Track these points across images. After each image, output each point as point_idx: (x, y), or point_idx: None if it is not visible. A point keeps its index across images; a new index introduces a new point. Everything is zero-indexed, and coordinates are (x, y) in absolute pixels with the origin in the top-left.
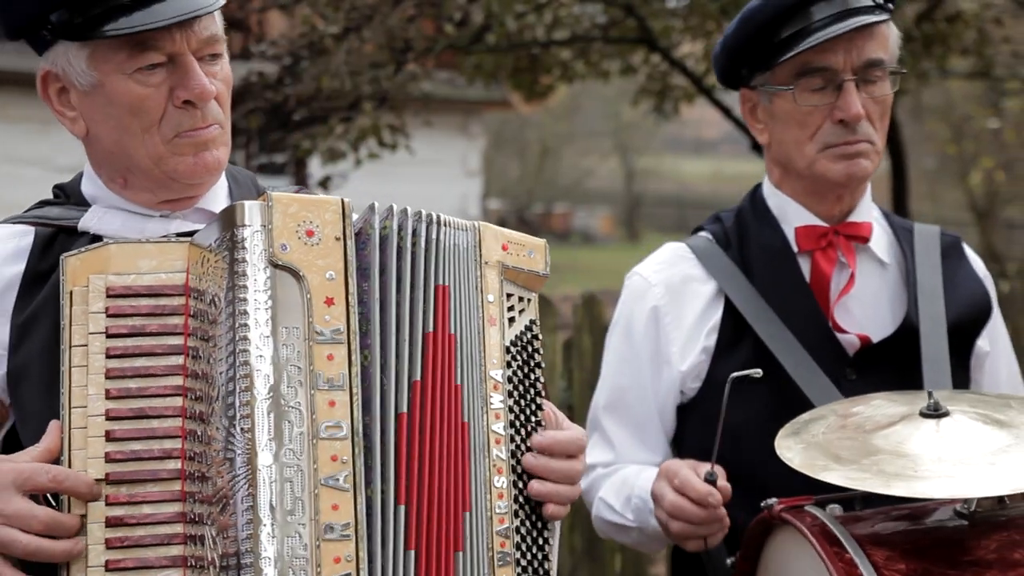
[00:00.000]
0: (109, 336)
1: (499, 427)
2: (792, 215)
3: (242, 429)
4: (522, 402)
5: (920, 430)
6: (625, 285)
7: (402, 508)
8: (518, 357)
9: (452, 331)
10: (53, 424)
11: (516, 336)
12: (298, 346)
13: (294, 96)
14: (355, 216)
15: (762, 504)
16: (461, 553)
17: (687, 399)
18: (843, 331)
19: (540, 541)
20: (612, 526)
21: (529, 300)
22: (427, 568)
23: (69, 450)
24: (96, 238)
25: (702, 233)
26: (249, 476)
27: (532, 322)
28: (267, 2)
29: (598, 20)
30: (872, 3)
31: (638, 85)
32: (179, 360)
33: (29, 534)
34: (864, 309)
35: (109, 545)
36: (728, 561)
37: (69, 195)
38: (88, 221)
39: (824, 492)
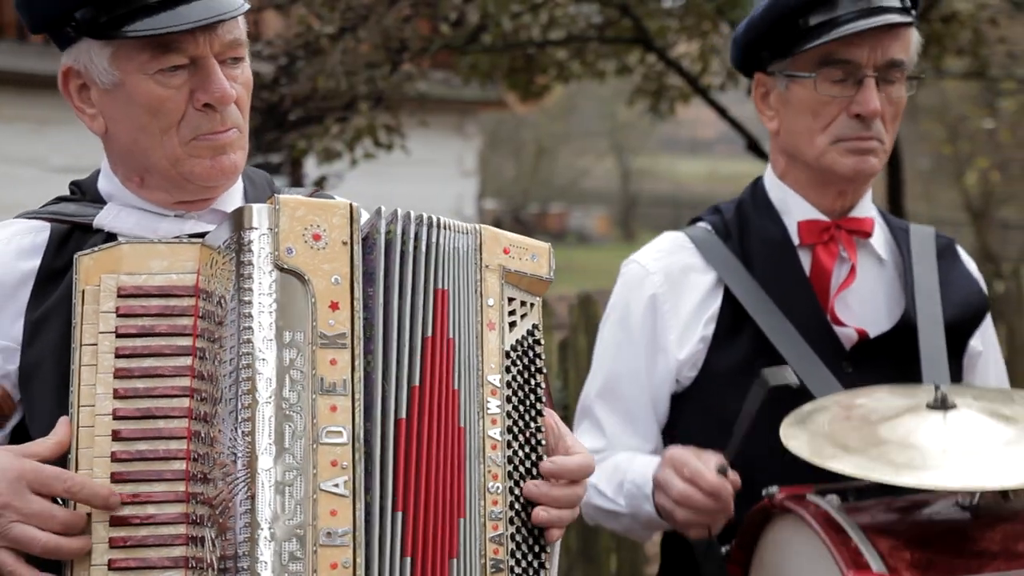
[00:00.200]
0: (119, 336)
1: (495, 432)
2: (794, 208)
3: (243, 432)
4: (521, 408)
5: (927, 422)
6: (622, 273)
7: (399, 515)
8: (518, 362)
9: (450, 335)
10: (63, 419)
11: (517, 341)
12: (301, 350)
13: (290, 96)
14: (363, 219)
15: (764, 492)
16: (455, 560)
17: (682, 388)
18: (842, 324)
19: (536, 549)
20: (602, 512)
21: (532, 305)
22: (423, 575)
23: (76, 448)
24: (111, 236)
25: (701, 224)
26: (248, 479)
27: (534, 327)
28: (263, 2)
29: (594, 20)
30: (899, 4)
31: (634, 85)
32: (187, 361)
33: (48, 532)
34: (862, 304)
35: (112, 544)
36: (723, 549)
37: (85, 192)
38: (103, 219)
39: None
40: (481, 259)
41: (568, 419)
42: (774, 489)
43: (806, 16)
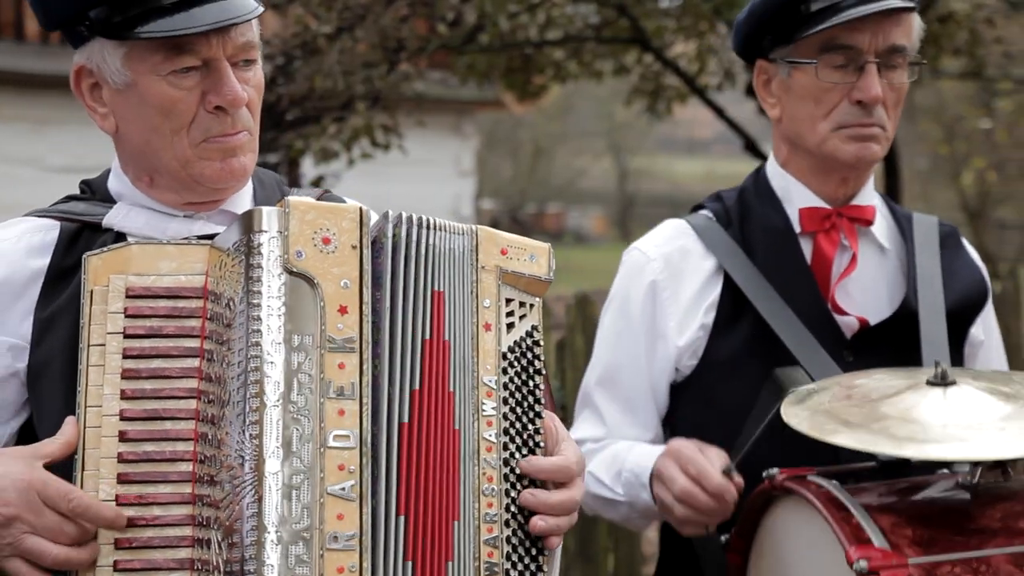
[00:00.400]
0: (127, 336)
1: (491, 434)
2: (796, 196)
3: (251, 435)
4: (518, 410)
5: (927, 398)
6: (623, 261)
7: (402, 519)
8: (516, 364)
9: (446, 337)
10: (70, 418)
11: (515, 342)
12: (310, 353)
13: (287, 96)
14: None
15: (764, 474)
16: (451, 563)
17: (682, 377)
18: (843, 312)
19: (534, 552)
20: (600, 500)
21: (532, 306)
22: None
23: (83, 449)
24: (120, 235)
25: (702, 211)
26: (255, 482)
27: (533, 328)
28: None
29: (591, 20)
30: None
31: (631, 85)
32: (195, 363)
33: (59, 545)
34: (863, 292)
35: (118, 545)
36: (722, 538)
37: (95, 191)
38: (113, 218)
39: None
40: (477, 260)
41: (566, 419)
42: (775, 471)
43: (808, 2)
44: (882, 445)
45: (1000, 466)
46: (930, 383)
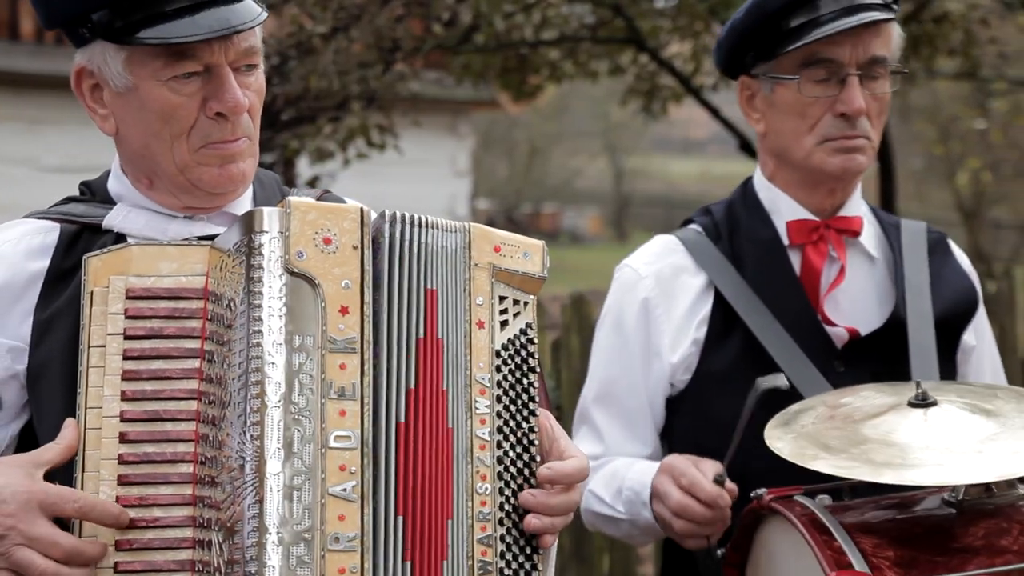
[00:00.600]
0: (127, 338)
1: (484, 432)
2: (783, 208)
3: (251, 436)
4: (512, 408)
5: (908, 419)
6: (615, 277)
7: (400, 519)
8: (510, 361)
9: (439, 335)
10: (70, 420)
11: (508, 340)
12: (311, 354)
13: (282, 96)
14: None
15: (752, 495)
16: (445, 562)
17: (676, 392)
18: (832, 324)
19: (528, 551)
20: (601, 518)
21: (526, 303)
22: None
23: (83, 451)
24: (120, 236)
25: (692, 225)
26: (257, 483)
27: (528, 326)
28: None
29: (586, 20)
30: (879, 1)
31: (626, 85)
32: (195, 364)
33: (48, 559)
34: (853, 303)
35: (119, 547)
36: (719, 552)
37: (95, 192)
38: (112, 219)
39: (813, 485)
40: (470, 258)
41: (561, 419)
42: (762, 491)
43: (787, 18)
44: (860, 472)
45: (984, 483)
46: (911, 404)
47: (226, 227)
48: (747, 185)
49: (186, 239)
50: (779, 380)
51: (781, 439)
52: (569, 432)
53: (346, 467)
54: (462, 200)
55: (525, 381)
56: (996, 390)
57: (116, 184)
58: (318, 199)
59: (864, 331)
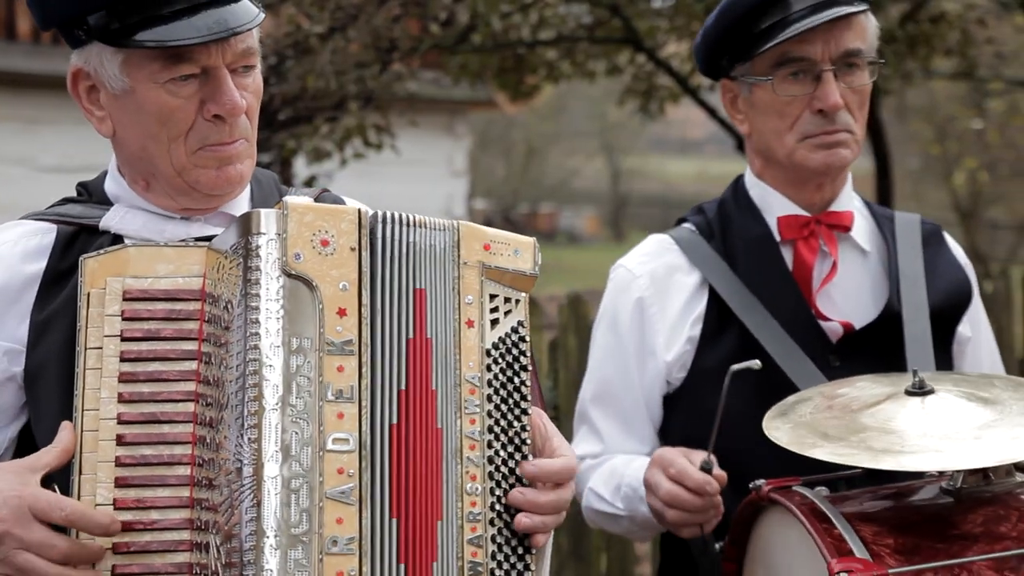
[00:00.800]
0: (124, 339)
1: (474, 431)
2: (774, 205)
3: (249, 439)
4: (504, 407)
5: (906, 407)
6: (610, 278)
7: (395, 521)
8: (500, 360)
9: (428, 335)
10: (66, 424)
11: (499, 338)
12: (308, 356)
13: (279, 96)
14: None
15: (750, 485)
16: (436, 563)
17: (672, 389)
18: (826, 319)
19: (520, 551)
20: (601, 515)
21: (517, 301)
22: None
23: (80, 453)
24: (117, 237)
25: (685, 224)
26: (254, 486)
27: (520, 324)
28: None
29: (584, 20)
30: None
31: (624, 85)
32: (192, 365)
33: (48, 561)
34: (846, 297)
35: (116, 550)
36: (716, 546)
37: (92, 193)
38: (109, 220)
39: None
40: (459, 256)
41: (558, 419)
42: (760, 482)
43: (757, 20)
44: (860, 458)
45: (982, 470)
46: (909, 392)
47: (223, 228)
48: (738, 183)
49: (183, 240)
50: (750, 362)
51: (779, 428)
52: (569, 432)
53: (344, 470)
54: (459, 200)
55: (517, 380)
56: (992, 379)
57: (113, 185)
58: (316, 198)
59: (858, 325)
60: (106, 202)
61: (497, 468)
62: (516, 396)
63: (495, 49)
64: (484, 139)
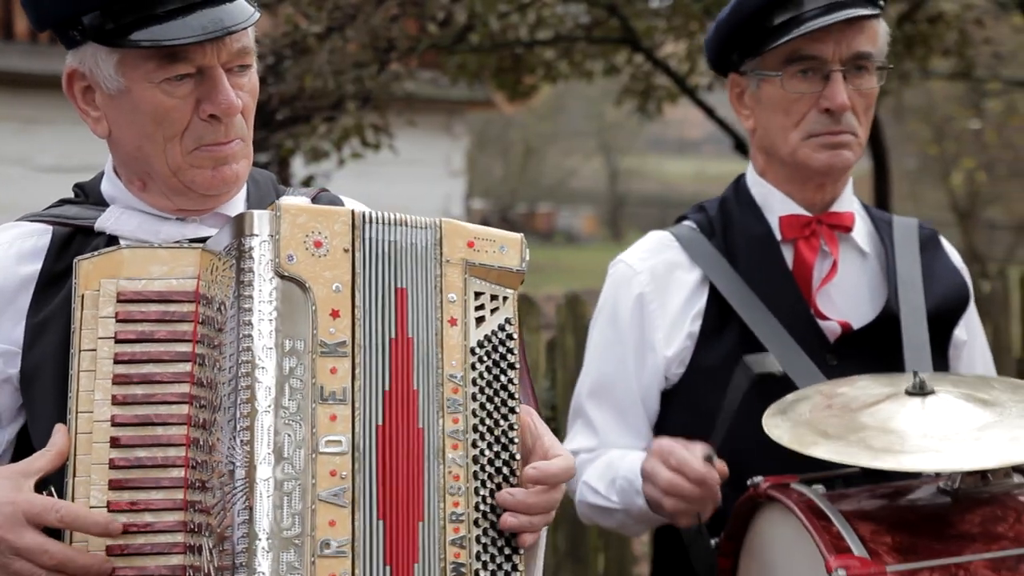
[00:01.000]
0: (118, 341)
1: (456, 431)
2: (776, 204)
3: (241, 441)
4: (489, 405)
5: (906, 408)
6: (609, 273)
7: (381, 523)
8: (486, 358)
9: (410, 334)
10: (60, 426)
11: (485, 336)
12: (301, 358)
13: (277, 95)
14: None
15: (748, 482)
16: (417, 564)
17: (671, 384)
18: (825, 318)
19: (507, 552)
20: (596, 509)
21: (505, 298)
22: None
23: (74, 455)
24: (113, 238)
25: (686, 222)
26: (247, 489)
27: (507, 321)
28: None
29: (581, 20)
30: None
31: (621, 85)
32: (186, 367)
33: (41, 567)
34: (845, 297)
35: (110, 552)
36: (712, 542)
37: (88, 194)
38: (105, 221)
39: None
40: (441, 254)
41: (557, 419)
42: (759, 479)
43: (770, 15)
44: (859, 457)
45: (980, 471)
46: (909, 393)
47: (219, 228)
48: (740, 182)
49: (178, 241)
50: (770, 363)
51: (779, 426)
52: (567, 430)
53: (337, 472)
54: (457, 200)
55: (504, 378)
56: (990, 381)
57: (109, 186)
58: (313, 199)
59: (856, 325)
60: (102, 203)
61: (482, 467)
62: (503, 394)
63: (493, 49)
64: (482, 139)
